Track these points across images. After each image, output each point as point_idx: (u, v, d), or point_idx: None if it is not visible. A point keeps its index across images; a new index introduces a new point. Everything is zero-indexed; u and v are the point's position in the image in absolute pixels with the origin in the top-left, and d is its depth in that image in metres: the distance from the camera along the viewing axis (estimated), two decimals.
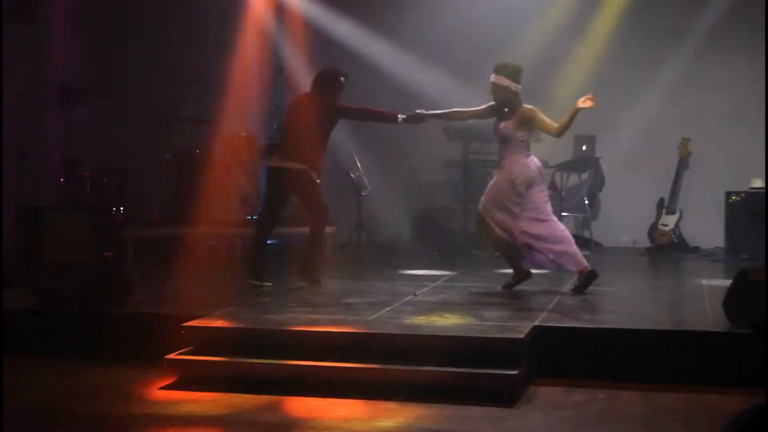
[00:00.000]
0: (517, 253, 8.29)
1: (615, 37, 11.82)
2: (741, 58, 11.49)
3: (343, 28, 12.40)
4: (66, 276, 7.68)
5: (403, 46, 12.16)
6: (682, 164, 11.44)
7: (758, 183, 11.33)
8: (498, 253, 8.67)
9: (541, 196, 8.20)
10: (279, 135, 9.13)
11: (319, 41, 12.38)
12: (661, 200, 11.57)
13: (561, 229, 8.21)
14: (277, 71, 11.58)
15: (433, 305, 7.75)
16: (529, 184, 8.10)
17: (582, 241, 11.62)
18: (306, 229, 8.86)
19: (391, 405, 5.96)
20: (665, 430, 5.59)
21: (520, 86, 8.23)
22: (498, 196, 8.17)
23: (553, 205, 8.50)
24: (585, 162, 11.81)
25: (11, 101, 10.48)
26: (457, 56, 11.77)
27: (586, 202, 11.86)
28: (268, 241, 8.99)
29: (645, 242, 11.61)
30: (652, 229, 11.49)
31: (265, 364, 6.50)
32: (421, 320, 7.10)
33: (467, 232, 11.52)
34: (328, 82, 8.67)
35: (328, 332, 6.74)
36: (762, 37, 11.10)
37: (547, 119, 8.10)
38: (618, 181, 11.74)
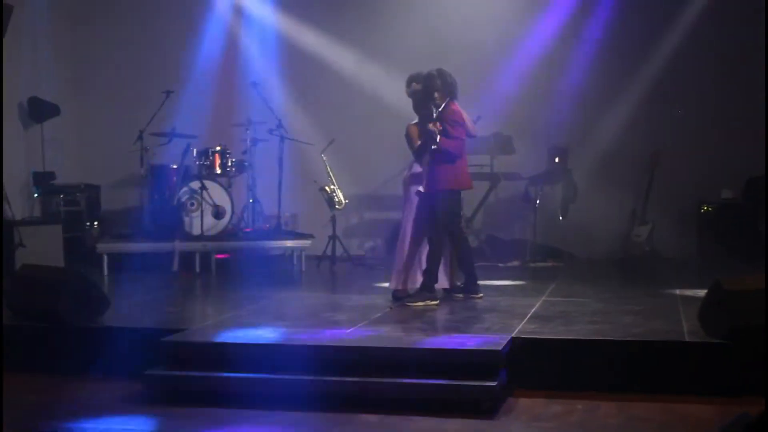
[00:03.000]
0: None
1: (586, 49, 11.88)
2: (712, 68, 11.56)
3: (313, 40, 12.45)
4: (41, 291, 7.62)
5: (372, 57, 12.22)
6: (654, 175, 11.51)
7: (729, 194, 11.45)
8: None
9: None
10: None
11: (289, 53, 12.44)
12: (634, 211, 11.65)
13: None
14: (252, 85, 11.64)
15: (409, 318, 7.77)
16: None
17: (555, 253, 11.70)
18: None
19: (370, 418, 5.98)
20: None
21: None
22: None
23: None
24: (558, 174, 11.86)
25: None
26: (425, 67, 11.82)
27: (560, 214, 11.89)
28: None
29: (618, 253, 11.64)
30: (625, 240, 11.55)
31: (244, 378, 6.51)
32: (398, 333, 7.13)
33: None
34: None
35: (306, 346, 6.74)
36: (733, 45, 11.27)
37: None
38: (590, 192, 11.77)
